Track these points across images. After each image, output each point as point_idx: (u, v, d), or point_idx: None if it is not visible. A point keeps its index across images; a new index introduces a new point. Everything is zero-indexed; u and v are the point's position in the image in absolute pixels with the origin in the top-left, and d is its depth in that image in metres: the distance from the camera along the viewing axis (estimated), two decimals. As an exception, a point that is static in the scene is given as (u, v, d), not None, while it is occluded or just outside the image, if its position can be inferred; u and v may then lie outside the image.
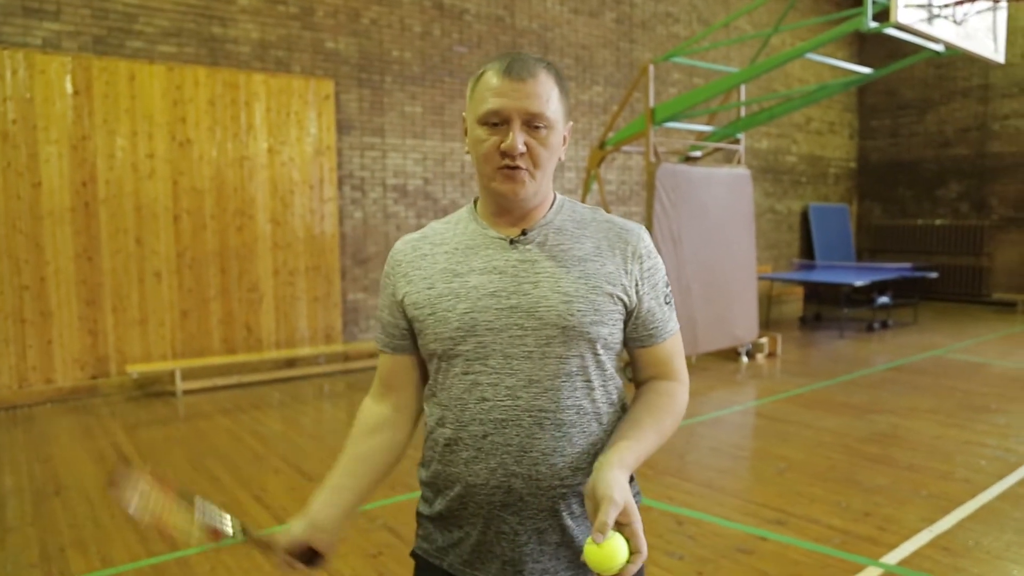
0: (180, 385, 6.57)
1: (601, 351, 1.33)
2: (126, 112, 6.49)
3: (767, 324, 10.33)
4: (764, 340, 8.17)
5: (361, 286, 8.00)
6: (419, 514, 1.45)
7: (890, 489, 4.16)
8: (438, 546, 1.40)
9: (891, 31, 5.56)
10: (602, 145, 7.85)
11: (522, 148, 1.27)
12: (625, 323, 1.37)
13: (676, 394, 1.41)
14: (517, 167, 1.28)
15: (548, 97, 1.29)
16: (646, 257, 1.38)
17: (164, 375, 6.79)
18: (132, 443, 5.14)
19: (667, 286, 1.42)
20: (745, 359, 7.99)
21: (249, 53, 7.14)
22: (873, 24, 5.49)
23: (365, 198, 8.03)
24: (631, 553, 1.11)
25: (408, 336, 1.41)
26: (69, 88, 6.23)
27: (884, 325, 10.24)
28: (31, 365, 6.21)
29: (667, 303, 1.41)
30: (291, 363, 7.48)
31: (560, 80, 1.34)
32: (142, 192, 6.62)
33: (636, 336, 1.39)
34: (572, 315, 1.28)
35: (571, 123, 1.41)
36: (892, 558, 3.31)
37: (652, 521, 3.75)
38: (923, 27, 5.65)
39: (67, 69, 6.21)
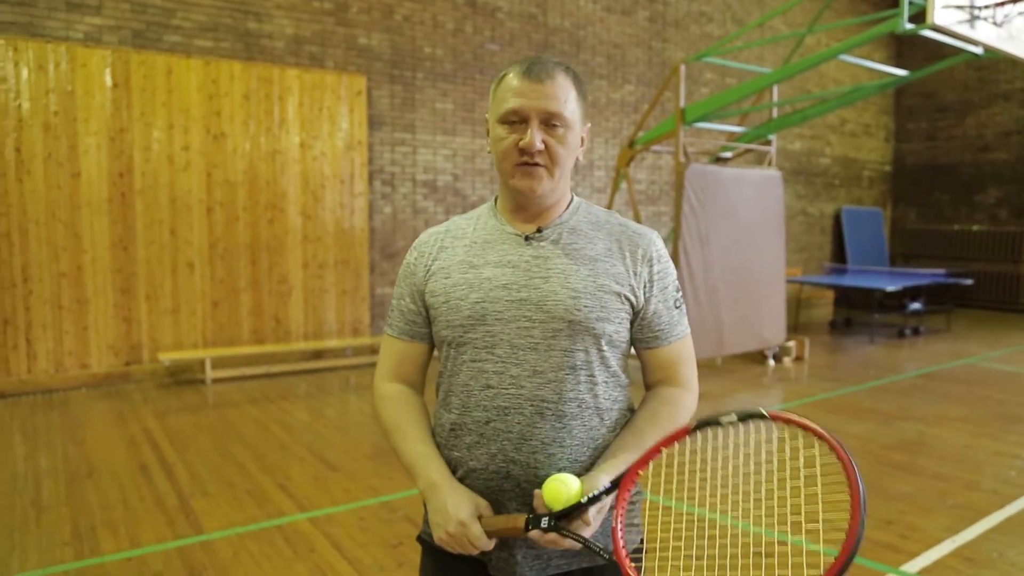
0: (210, 373, 6.70)
1: (606, 347, 1.37)
2: (163, 105, 6.62)
3: (795, 328, 10.23)
4: (792, 343, 8.09)
5: (389, 280, 8.08)
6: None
7: (914, 497, 4.12)
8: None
9: (928, 33, 5.48)
10: (631, 144, 7.83)
11: (540, 146, 1.32)
12: (632, 324, 1.41)
13: (681, 402, 1.43)
14: (536, 164, 1.33)
15: (566, 98, 1.34)
16: (656, 261, 1.41)
17: (194, 363, 6.92)
18: (162, 429, 5.25)
19: (678, 291, 1.45)
20: (772, 362, 7.93)
21: (283, 48, 7.24)
22: (909, 26, 5.42)
23: (395, 193, 8.10)
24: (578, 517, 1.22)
25: (425, 324, 1.47)
26: (109, 81, 6.37)
27: (916, 332, 10.09)
28: (67, 350, 6.37)
29: (676, 307, 1.44)
30: (318, 355, 7.58)
31: (578, 82, 1.39)
32: (177, 184, 6.75)
33: (642, 337, 1.43)
34: (579, 310, 1.32)
35: (588, 125, 1.45)
36: (913, 566, 3.28)
37: (669, 521, 3.75)
38: (961, 29, 5.56)
39: (107, 63, 6.35)
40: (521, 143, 1.32)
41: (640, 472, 1.27)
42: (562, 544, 1.23)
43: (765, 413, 1.18)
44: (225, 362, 6.99)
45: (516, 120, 1.33)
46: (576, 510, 1.22)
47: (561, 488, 1.23)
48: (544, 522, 1.23)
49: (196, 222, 6.87)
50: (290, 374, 7.14)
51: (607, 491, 1.24)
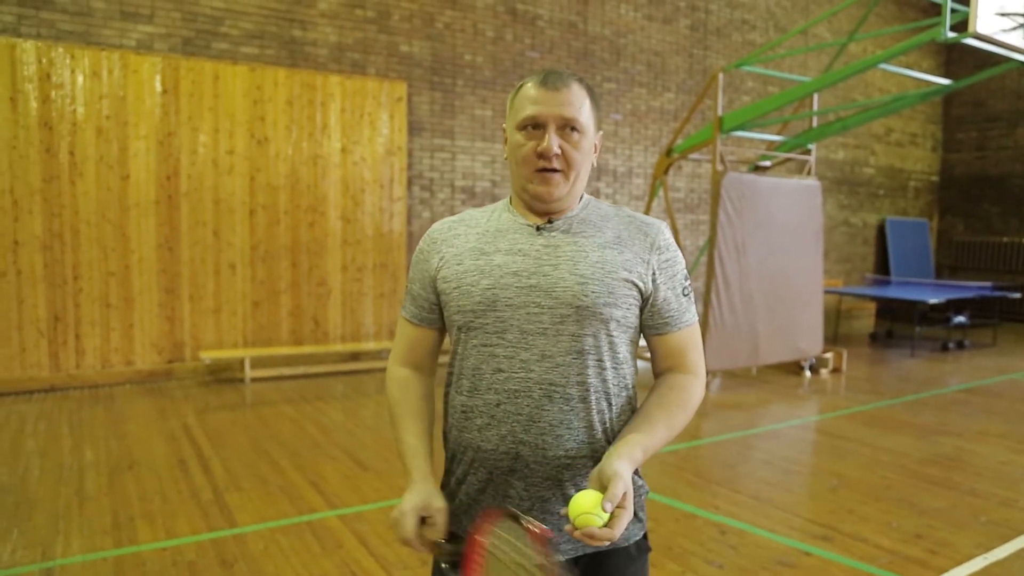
0: (249, 373, 6.86)
1: (615, 332, 1.41)
2: (209, 110, 6.82)
3: (835, 339, 10.08)
4: (829, 355, 7.99)
5: (425, 284, 8.16)
6: (441, 486, 1.55)
7: (947, 512, 4.05)
8: (454, 512, 1.49)
9: (971, 41, 5.40)
10: (669, 152, 7.82)
11: (557, 150, 1.38)
12: (642, 310, 1.46)
13: (689, 388, 1.47)
14: (553, 169, 1.40)
15: (580, 105, 1.41)
16: (664, 249, 1.46)
17: (234, 363, 7.10)
18: (201, 426, 5.40)
19: (686, 279, 1.50)
20: (808, 373, 7.83)
21: (326, 55, 7.40)
22: (951, 34, 5.34)
23: (433, 198, 8.20)
24: (603, 526, 1.19)
25: (436, 310, 1.53)
26: (158, 87, 6.59)
27: (960, 345, 9.87)
28: (114, 347, 6.58)
29: (685, 295, 1.49)
30: (355, 356, 7.71)
31: (591, 92, 1.46)
32: (221, 187, 6.94)
33: (652, 324, 1.47)
34: (586, 296, 1.37)
35: (601, 133, 1.50)
36: (940, 582, 3.24)
37: (695, 529, 3.76)
38: (1006, 37, 5.47)
39: (157, 69, 6.57)
40: (539, 148, 1.38)
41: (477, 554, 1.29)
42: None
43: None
44: (264, 362, 7.15)
45: (534, 126, 1.39)
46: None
47: (580, 503, 1.21)
48: (445, 556, 1.35)
49: (239, 224, 7.05)
50: (327, 375, 7.27)
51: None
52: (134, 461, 4.58)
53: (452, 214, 8.14)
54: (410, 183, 8.01)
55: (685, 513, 3.96)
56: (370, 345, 7.58)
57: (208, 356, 6.70)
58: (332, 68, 7.44)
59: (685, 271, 1.50)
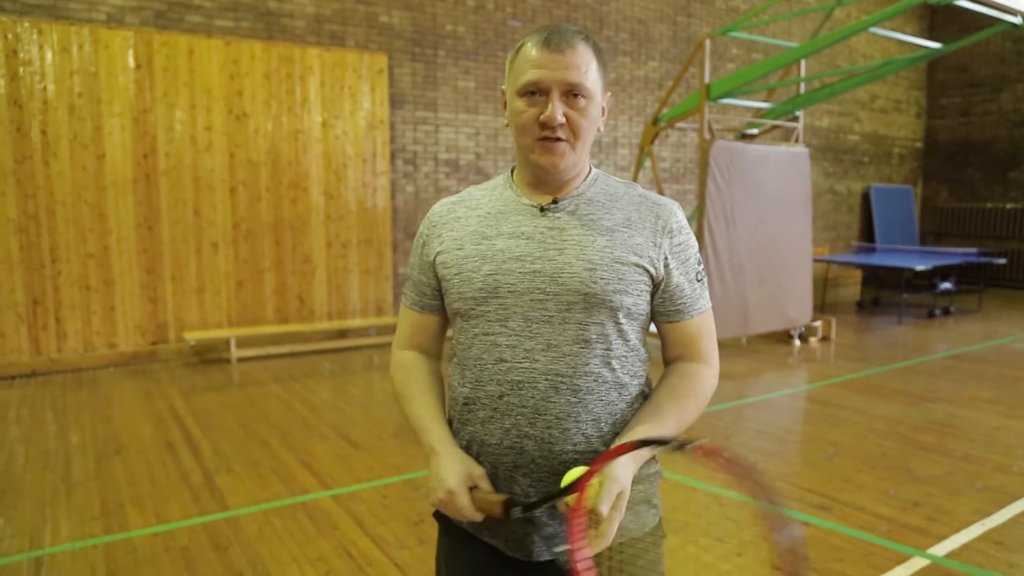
0: (235, 353, 6.76)
1: (624, 320, 1.33)
2: (185, 86, 6.64)
3: (822, 307, 10.10)
4: (818, 323, 7.99)
5: (412, 260, 8.07)
6: None
7: (943, 479, 4.05)
8: None
9: (962, 3, 5.33)
10: (655, 121, 7.73)
11: (561, 119, 1.28)
12: (652, 296, 1.37)
13: (701, 377, 1.39)
14: (557, 138, 1.29)
15: (587, 68, 1.29)
16: (677, 232, 1.37)
17: (220, 343, 6.99)
18: (188, 407, 5.31)
19: (699, 264, 1.41)
20: (798, 342, 7.84)
21: (304, 27, 7.22)
22: (942, -3, 5.27)
23: (417, 172, 8.08)
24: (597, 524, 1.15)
25: (437, 296, 1.45)
26: (131, 62, 6.39)
27: (946, 312, 9.92)
28: (95, 330, 6.45)
29: (698, 281, 1.40)
30: (342, 334, 7.62)
31: (599, 52, 1.34)
32: (200, 164, 6.78)
33: (663, 311, 1.38)
34: (595, 283, 1.28)
35: (609, 95, 1.40)
36: (940, 550, 3.23)
37: (694, 501, 3.74)
38: None
39: (129, 43, 6.37)
40: (542, 116, 1.27)
41: (595, 476, 1.17)
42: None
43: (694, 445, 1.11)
44: (250, 341, 7.05)
45: (536, 92, 1.28)
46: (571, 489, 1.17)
47: (571, 473, 1.20)
48: (518, 511, 1.23)
49: (219, 202, 6.90)
50: (314, 353, 7.19)
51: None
52: (121, 445, 4.49)
53: (436, 187, 8.09)
54: (393, 157, 7.87)
55: (683, 486, 3.93)
56: (356, 322, 7.49)
57: (193, 337, 6.59)
58: (310, 40, 7.26)
59: (698, 255, 1.41)
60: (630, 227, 1.34)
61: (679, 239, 1.37)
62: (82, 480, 3.94)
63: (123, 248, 6.51)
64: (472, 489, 1.28)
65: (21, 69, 5.97)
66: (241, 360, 6.81)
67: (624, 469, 1.18)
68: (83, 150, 6.27)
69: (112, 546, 3.19)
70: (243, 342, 6.97)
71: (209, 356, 6.95)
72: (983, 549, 3.24)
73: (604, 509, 1.11)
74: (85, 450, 4.40)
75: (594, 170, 1.43)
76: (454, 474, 1.28)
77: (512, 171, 1.45)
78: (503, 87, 1.38)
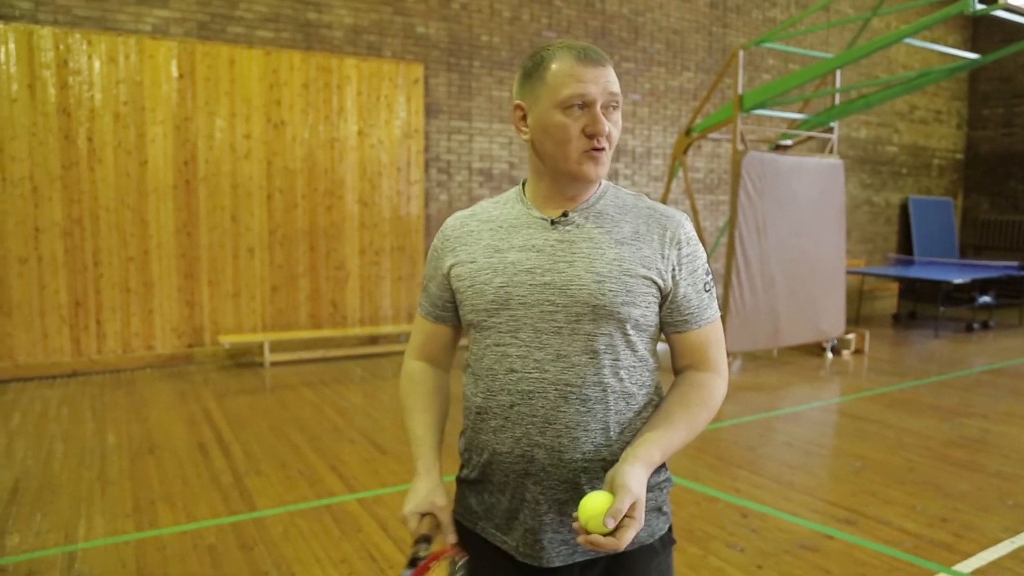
0: (268, 357, 6.89)
1: (632, 332, 1.35)
2: (226, 94, 6.81)
3: (857, 320, 9.96)
4: (851, 336, 7.89)
5: (443, 268, 8.14)
6: (458, 480, 1.53)
7: (973, 496, 3.99)
8: (472, 510, 1.47)
9: (1001, 13, 5.26)
10: (689, 132, 7.72)
11: (607, 130, 1.32)
12: (660, 307, 1.40)
13: (711, 386, 1.41)
14: (602, 148, 1.33)
15: (617, 80, 1.35)
16: (684, 243, 1.39)
17: (254, 347, 7.13)
18: (221, 410, 5.43)
19: (708, 274, 1.43)
20: (830, 355, 7.75)
21: (342, 38, 7.36)
22: (980, 6, 5.19)
23: (451, 181, 8.16)
24: (608, 534, 1.17)
25: (451, 308, 1.50)
26: (175, 72, 6.58)
27: (985, 326, 9.72)
28: (134, 332, 6.63)
29: (707, 291, 1.42)
30: (374, 340, 7.72)
31: None
32: (238, 171, 6.94)
33: (671, 321, 1.41)
34: (603, 294, 1.31)
35: None
36: (966, 567, 3.18)
37: (716, 512, 3.73)
38: (1037, 10, 5.32)
39: (173, 54, 6.56)
40: (590, 129, 1.30)
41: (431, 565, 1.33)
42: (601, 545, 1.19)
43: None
44: (283, 346, 7.18)
45: (580, 105, 1.31)
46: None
47: (588, 505, 1.18)
48: (462, 568, 1.34)
49: (256, 209, 7.06)
50: (346, 359, 7.29)
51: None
52: (155, 445, 4.61)
53: (470, 196, 8.16)
54: (427, 166, 7.97)
55: (706, 496, 3.92)
56: (388, 328, 7.58)
57: (227, 340, 6.73)
58: (348, 51, 7.40)
59: (707, 266, 1.44)
60: (639, 239, 1.37)
61: (687, 250, 1.39)
62: (116, 478, 4.06)
63: (162, 252, 6.69)
64: (425, 516, 1.38)
65: (71, 79, 6.19)
66: (274, 364, 6.94)
67: (637, 479, 1.20)
68: (127, 157, 6.46)
69: (143, 543, 3.29)
70: (276, 346, 7.11)
71: (243, 360, 7.09)
72: (1011, 567, 3.18)
73: (611, 523, 1.14)
74: (120, 449, 4.53)
75: (604, 182, 1.46)
76: (411, 501, 1.38)
77: (523, 184, 1.48)
78: (518, 101, 1.39)
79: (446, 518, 1.38)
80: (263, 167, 7.05)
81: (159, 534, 3.37)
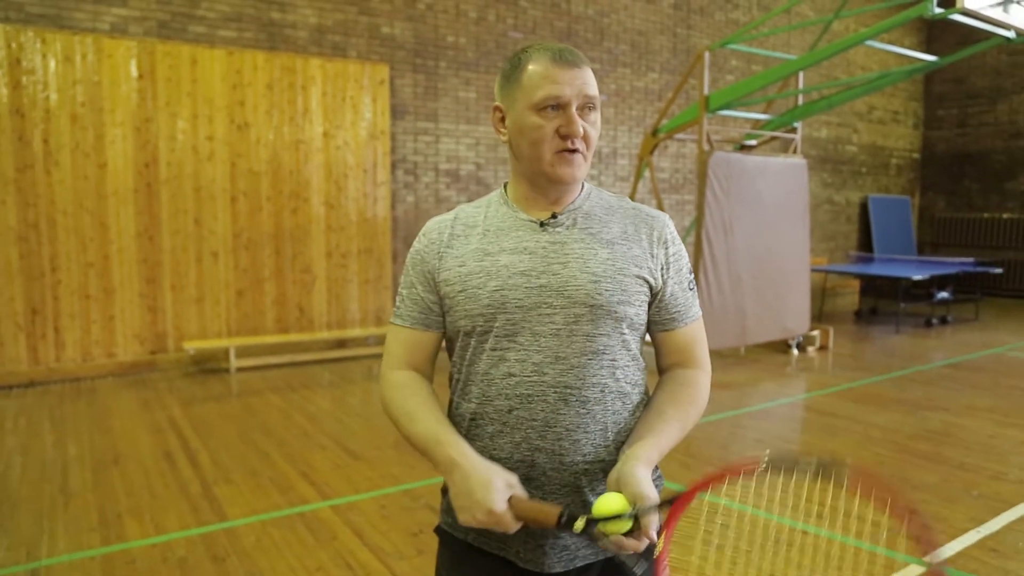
0: (234, 362, 6.77)
1: (627, 331, 1.36)
2: (187, 95, 6.68)
3: (820, 317, 10.12)
4: (816, 333, 8.01)
5: (411, 270, 8.09)
6: (444, 490, 1.47)
7: (939, 487, 4.07)
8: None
9: (958, 17, 5.37)
10: (654, 132, 7.77)
11: (581, 131, 1.31)
12: (649, 306, 1.41)
13: (699, 383, 1.43)
14: (575, 150, 1.32)
15: (594, 82, 1.35)
16: (671, 243, 1.42)
17: (219, 352, 7.00)
18: (186, 417, 5.32)
19: (690, 272, 1.46)
20: (795, 352, 7.85)
21: (306, 38, 7.26)
22: (939, 10, 5.31)
23: (418, 182, 8.11)
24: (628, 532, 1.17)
25: (439, 312, 1.43)
26: (134, 72, 6.43)
27: (943, 321, 9.94)
28: (94, 339, 6.47)
29: (691, 289, 1.44)
30: (341, 344, 7.63)
31: None
32: (201, 174, 6.81)
33: (659, 320, 1.42)
34: (600, 294, 1.31)
35: None
36: (936, 557, 3.24)
37: (690, 510, 3.73)
38: (993, 13, 5.45)
39: (132, 53, 6.41)
40: (564, 129, 1.30)
41: (698, 494, 1.22)
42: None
43: (846, 474, 1.07)
44: (249, 351, 7.06)
45: (555, 106, 1.30)
46: (623, 518, 1.16)
47: (608, 502, 1.17)
48: (580, 524, 1.15)
49: (220, 211, 6.93)
50: (313, 363, 7.20)
51: (659, 505, 1.18)
52: (119, 455, 4.49)
53: (437, 197, 8.11)
54: (394, 167, 7.91)
55: (663, 489, 3.94)
56: (356, 332, 7.50)
57: (192, 346, 6.60)
58: (312, 51, 7.31)
59: (689, 264, 1.46)
60: (628, 240, 1.38)
61: (673, 249, 1.42)
62: (80, 491, 3.95)
63: (123, 257, 6.53)
64: (511, 500, 1.21)
65: (24, 78, 6.01)
66: (240, 370, 6.82)
67: (648, 482, 1.21)
68: (85, 159, 6.30)
69: (110, 557, 3.20)
70: (242, 352, 6.99)
71: (208, 366, 6.96)
72: (978, 556, 3.25)
73: (655, 536, 1.16)
74: (83, 460, 4.41)
75: (587, 184, 1.47)
76: (491, 491, 1.19)
77: (505, 187, 1.47)
78: (497, 104, 1.39)
79: (521, 490, 1.24)
80: (227, 169, 6.92)
81: (127, 548, 3.28)
